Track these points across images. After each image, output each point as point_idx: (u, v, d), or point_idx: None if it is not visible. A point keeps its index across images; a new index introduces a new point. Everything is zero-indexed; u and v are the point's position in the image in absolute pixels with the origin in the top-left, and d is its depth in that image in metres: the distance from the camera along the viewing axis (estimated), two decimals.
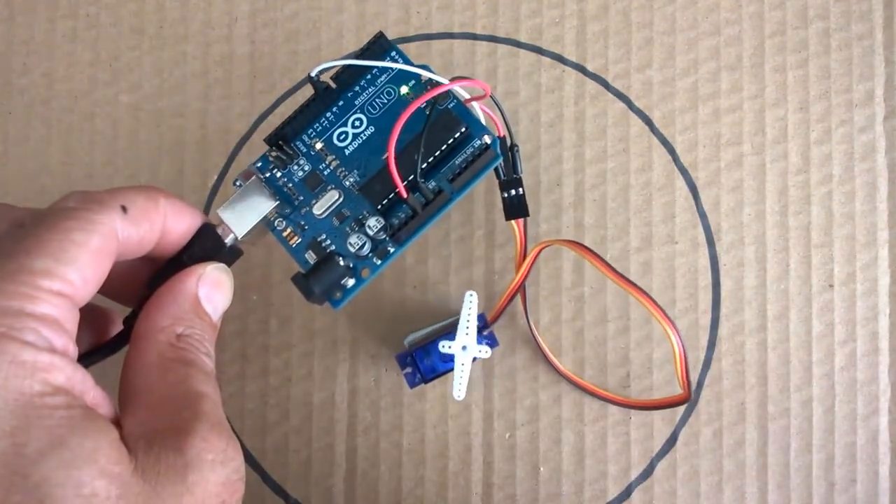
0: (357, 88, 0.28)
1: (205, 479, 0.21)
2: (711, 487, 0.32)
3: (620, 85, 0.33)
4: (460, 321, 0.29)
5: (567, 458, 0.32)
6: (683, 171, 0.33)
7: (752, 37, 0.33)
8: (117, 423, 0.21)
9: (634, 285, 0.28)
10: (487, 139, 0.27)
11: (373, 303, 0.32)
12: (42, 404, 0.19)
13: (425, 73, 0.27)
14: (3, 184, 0.33)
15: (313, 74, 0.27)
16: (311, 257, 0.27)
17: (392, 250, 0.27)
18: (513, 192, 0.28)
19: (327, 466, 0.32)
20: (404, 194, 0.26)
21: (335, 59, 0.27)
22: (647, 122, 0.33)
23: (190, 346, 0.24)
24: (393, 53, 0.28)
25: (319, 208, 0.27)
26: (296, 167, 0.27)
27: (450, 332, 0.30)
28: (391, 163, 0.25)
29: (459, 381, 0.29)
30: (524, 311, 0.32)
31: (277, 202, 0.27)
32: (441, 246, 0.33)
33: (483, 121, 0.27)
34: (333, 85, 0.28)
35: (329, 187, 0.27)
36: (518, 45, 0.33)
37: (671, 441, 0.32)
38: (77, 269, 0.21)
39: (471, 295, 0.29)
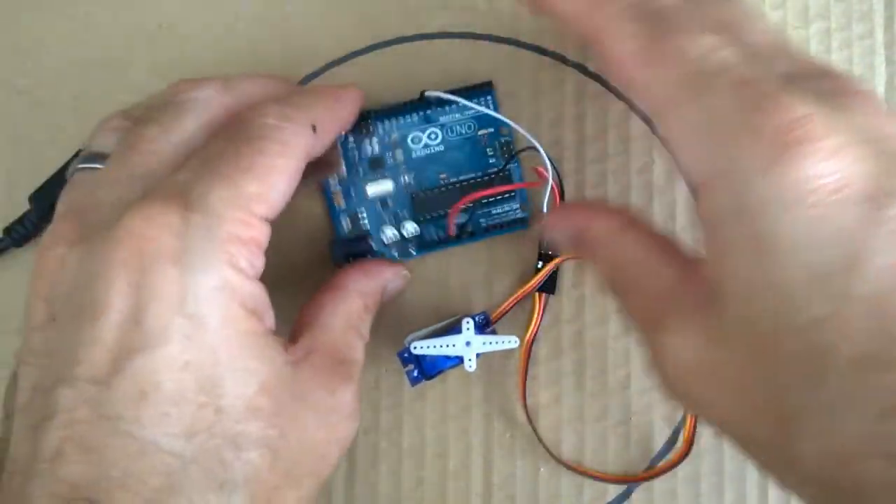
0: (447, 108, 0.32)
1: (338, 425, 0.25)
2: (712, 488, 0.32)
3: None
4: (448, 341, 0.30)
5: (567, 458, 0.32)
6: None
7: None
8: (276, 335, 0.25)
9: None
10: (523, 213, 0.32)
11: None
12: (241, 328, 0.23)
13: (517, 128, 0.31)
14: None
15: (427, 94, 0.31)
16: (346, 223, 0.31)
17: (413, 253, 0.32)
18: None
19: None
20: (451, 234, 0.31)
21: (445, 91, 0.31)
22: (648, 122, 0.33)
23: (366, 322, 0.28)
24: (489, 98, 0.32)
25: (372, 190, 0.31)
26: (367, 144, 0.31)
27: (452, 330, 0.30)
28: (453, 215, 0.30)
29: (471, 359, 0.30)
30: (522, 396, 0.31)
31: (345, 174, 0.31)
32: None
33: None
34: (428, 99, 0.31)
35: (386, 175, 0.31)
36: (518, 44, 0.33)
37: (671, 441, 0.32)
38: (278, 193, 0.24)
39: (467, 323, 0.30)
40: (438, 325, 0.31)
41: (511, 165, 0.32)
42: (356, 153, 0.31)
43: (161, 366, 0.21)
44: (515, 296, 0.31)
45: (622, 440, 0.32)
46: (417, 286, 0.32)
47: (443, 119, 0.32)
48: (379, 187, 0.31)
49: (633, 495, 0.32)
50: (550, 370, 0.32)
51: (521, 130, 0.30)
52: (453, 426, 0.32)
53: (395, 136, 0.31)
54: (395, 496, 0.32)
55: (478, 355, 0.30)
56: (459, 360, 0.30)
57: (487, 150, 0.32)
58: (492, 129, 0.32)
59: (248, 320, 0.23)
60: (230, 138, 0.24)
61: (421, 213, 0.31)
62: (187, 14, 0.33)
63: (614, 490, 0.32)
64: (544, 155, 0.30)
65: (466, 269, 0.33)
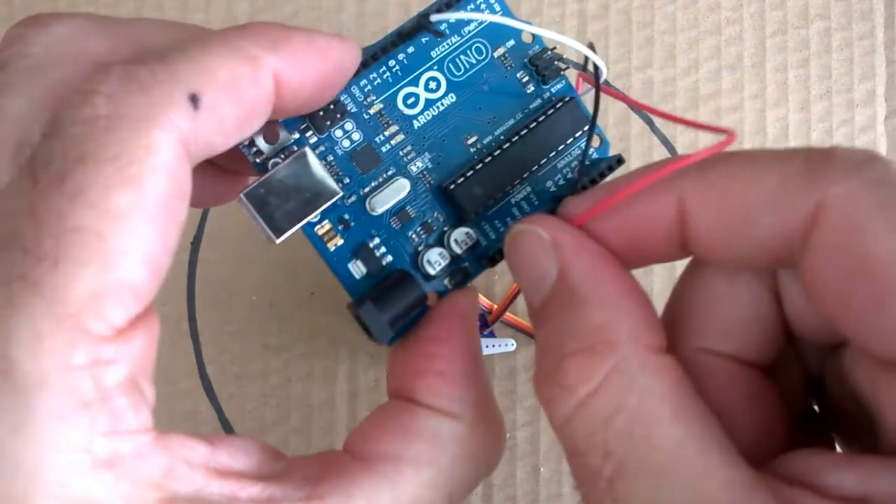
0: (430, 36, 0.20)
1: None
2: None
3: (621, 84, 0.33)
4: None
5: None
6: None
7: (752, 36, 0.33)
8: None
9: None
10: (602, 150, 0.20)
11: None
12: None
13: (547, 34, 0.19)
14: None
15: (433, 19, 0.19)
16: (357, 269, 0.19)
17: (473, 273, 0.20)
18: None
19: None
20: None
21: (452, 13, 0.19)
22: (648, 121, 0.33)
23: None
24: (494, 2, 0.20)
25: (382, 202, 0.19)
26: (339, 132, 0.19)
27: None
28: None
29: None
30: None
31: (341, 194, 0.18)
32: None
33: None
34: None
35: (390, 171, 0.19)
36: None
37: None
38: (136, 261, 0.13)
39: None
40: None
41: (557, 85, 0.20)
42: (329, 154, 0.19)
43: None
44: (505, 297, 0.31)
45: None
46: None
47: (436, 53, 0.19)
48: (392, 195, 0.19)
49: None
50: None
51: (546, 33, 0.19)
52: None
53: (376, 105, 0.19)
54: None
55: None
56: None
57: (519, 75, 0.20)
58: (512, 41, 0.20)
59: None
60: (36, 176, 0.13)
61: (470, 208, 0.19)
62: (187, 14, 0.33)
63: None
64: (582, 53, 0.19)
65: None
